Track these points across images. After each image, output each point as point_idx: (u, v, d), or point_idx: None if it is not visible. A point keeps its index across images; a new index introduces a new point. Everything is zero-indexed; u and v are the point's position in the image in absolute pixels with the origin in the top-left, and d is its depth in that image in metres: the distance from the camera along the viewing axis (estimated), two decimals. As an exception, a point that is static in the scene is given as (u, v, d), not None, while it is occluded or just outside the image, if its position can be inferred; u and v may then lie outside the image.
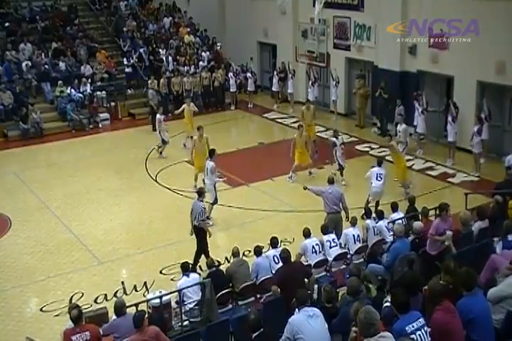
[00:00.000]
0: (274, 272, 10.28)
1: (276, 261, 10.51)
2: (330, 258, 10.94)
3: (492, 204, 11.56)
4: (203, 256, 11.90)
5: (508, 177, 13.56)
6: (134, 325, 7.70)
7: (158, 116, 18.96)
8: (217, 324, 8.72)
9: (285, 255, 9.71)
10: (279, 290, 9.36)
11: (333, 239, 11.17)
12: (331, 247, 11.07)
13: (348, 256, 11.28)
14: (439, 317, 6.18)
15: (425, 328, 6.02)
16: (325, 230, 11.35)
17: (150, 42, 25.64)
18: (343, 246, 11.37)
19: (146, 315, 8.65)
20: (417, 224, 10.38)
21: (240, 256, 10.79)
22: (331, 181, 12.67)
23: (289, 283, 8.99)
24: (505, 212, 10.94)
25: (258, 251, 10.54)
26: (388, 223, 11.43)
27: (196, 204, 12.17)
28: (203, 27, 27.76)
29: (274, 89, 24.48)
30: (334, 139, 16.36)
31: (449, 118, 17.28)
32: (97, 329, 8.11)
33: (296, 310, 7.08)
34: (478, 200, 13.47)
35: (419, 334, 5.91)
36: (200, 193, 12.48)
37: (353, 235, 11.40)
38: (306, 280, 9.77)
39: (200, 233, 12.07)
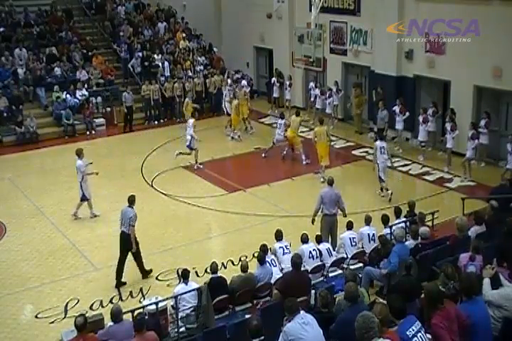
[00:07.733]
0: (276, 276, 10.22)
1: (274, 264, 10.54)
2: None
3: (487, 210, 11.53)
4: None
5: (503, 182, 13.56)
6: (134, 327, 7.74)
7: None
8: (213, 330, 8.63)
9: (298, 260, 9.33)
10: (279, 293, 9.18)
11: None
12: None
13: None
14: (436, 323, 6.17)
15: (422, 331, 6.06)
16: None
17: (146, 47, 25.61)
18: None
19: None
20: (425, 230, 10.46)
21: (248, 268, 10.18)
22: (330, 183, 12.61)
23: (293, 290, 8.67)
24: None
25: (261, 259, 10.26)
26: (386, 227, 11.47)
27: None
28: (199, 32, 27.75)
29: (275, 95, 24.56)
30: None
31: (448, 127, 17.21)
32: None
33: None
34: (475, 205, 13.44)
35: (420, 336, 5.95)
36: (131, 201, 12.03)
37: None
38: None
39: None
